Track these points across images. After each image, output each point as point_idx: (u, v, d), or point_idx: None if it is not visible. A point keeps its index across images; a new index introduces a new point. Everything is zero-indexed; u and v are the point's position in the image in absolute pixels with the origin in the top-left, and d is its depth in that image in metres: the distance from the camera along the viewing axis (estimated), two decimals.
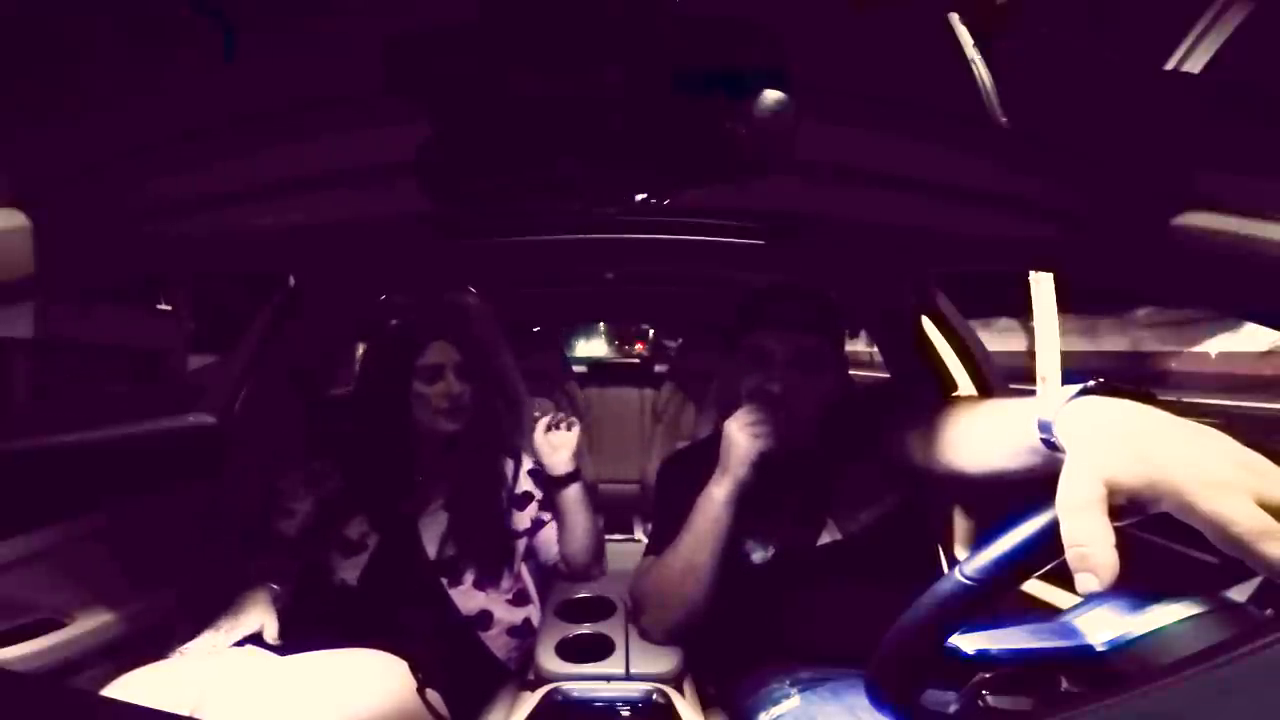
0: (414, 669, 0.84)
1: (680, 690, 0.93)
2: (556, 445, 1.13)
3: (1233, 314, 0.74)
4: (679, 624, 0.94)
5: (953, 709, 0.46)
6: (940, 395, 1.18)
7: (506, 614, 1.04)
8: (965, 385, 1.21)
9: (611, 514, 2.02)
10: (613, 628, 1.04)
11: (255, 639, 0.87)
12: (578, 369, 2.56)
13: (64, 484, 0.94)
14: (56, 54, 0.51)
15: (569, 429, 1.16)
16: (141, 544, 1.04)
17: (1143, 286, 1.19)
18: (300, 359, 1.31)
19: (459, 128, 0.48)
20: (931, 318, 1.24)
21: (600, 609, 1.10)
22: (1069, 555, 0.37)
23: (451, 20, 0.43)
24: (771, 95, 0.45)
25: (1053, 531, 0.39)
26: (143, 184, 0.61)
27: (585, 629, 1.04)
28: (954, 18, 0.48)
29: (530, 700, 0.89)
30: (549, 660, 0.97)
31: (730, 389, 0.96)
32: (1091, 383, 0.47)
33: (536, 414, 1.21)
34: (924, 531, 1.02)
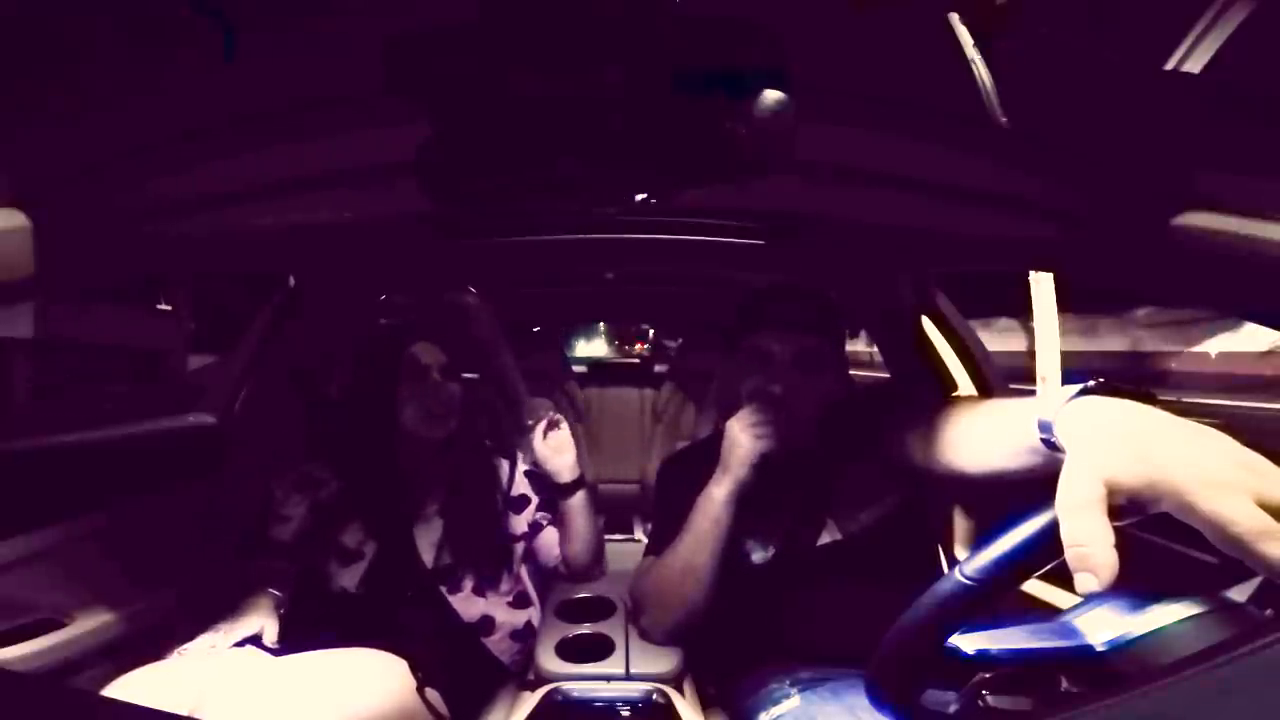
0: (413, 669, 0.84)
1: (680, 690, 0.93)
2: (556, 449, 1.11)
3: (1233, 314, 0.73)
4: (679, 624, 0.94)
5: (953, 709, 0.46)
6: (940, 395, 1.18)
7: (508, 617, 1.03)
8: (965, 385, 1.21)
9: (611, 514, 2.02)
10: (613, 628, 1.04)
11: (255, 640, 0.87)
12: (578, 369, 2.57)
13: (64, 484, 0.94)
14: (56, 54, 0.51)
15: (557, 429, 1.13)
16: (141, 544, 1.04)
17: (1143, 286, 1.19)
18: (300, 359, 1.31)
19: (459, 128, 0.48)
20: (931, 318, 1.24)
21: (600, 609, 1.10)
22: (1069, 555, 0.37)
23: (451, 20, 0.43)
24: (771, 95, 0.45)
25: (1053, 531, 0.39)
26: (142, 184, 0.61)
27: (585, 629, 1.04)
28: (954, 18, 0.48)
29: (530, 700, 0.89)
30: (549, 660, 0.96)
31: (730, 389, 0.96)
32: (1091, 383, 0.47)
33: (529, 421, 1.18)
34: (924, 531, 1.02)
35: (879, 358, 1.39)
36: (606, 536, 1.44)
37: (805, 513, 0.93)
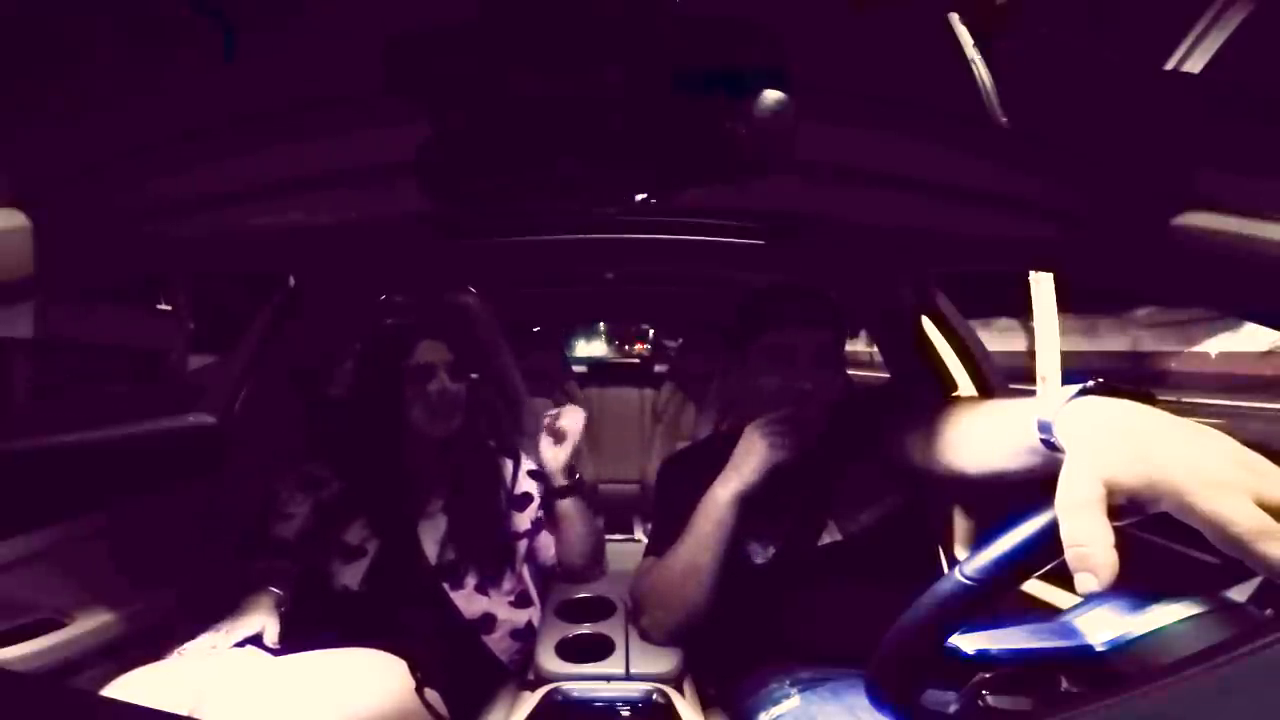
0: (413, 669, 0.84)
1: (680, 690, 0.93)
2: (557, 451, 1.11)
3: (1233, 314, 0.73)
4: (679, 625, 0.94)
5: (953, 709, 0.46)
6: (940, 395, 1.18)
7: (509, 616, 1.03)
8: (965, 385, 1.21)
9: (611, 514, 2.02)
10: (613, 628, 1.04)
11: (255, 640, 0.87)
12: (578, 369, 2.57)
13: (64, 484, 0.94)
14: (56, 54, 0.51)
15: (570, 419, 1.10)
16: (141, 544, 1.04)
17: (1143, 286, 1.19)
18: (300, 359, 1.31)
19: (459, 128, 0.48)
20: (931, 318, 1.24)
21: (600, 609, 1.10)
22: (1068, 555, 0.37)
23: (451, 20, 0.43)
24: (771, 95, 0.45)
25: (1052, 531, 0.39)
26: (142, 184, 0.61)
27: (585, 629, 1.04)
28: (954, 18, 0.48)
29: (530, 700, 0.89)
30: (549, 660, 0.96)
31: (735, 389, 0.96)
32: (1091, 383, 0.47)
33: (545, 418, 1.16)
34: (924, 531, 1.02)
35: (879, 358, 1.39)
36: (606, 536, 1.44)
37: (806, 513, 0.93)
